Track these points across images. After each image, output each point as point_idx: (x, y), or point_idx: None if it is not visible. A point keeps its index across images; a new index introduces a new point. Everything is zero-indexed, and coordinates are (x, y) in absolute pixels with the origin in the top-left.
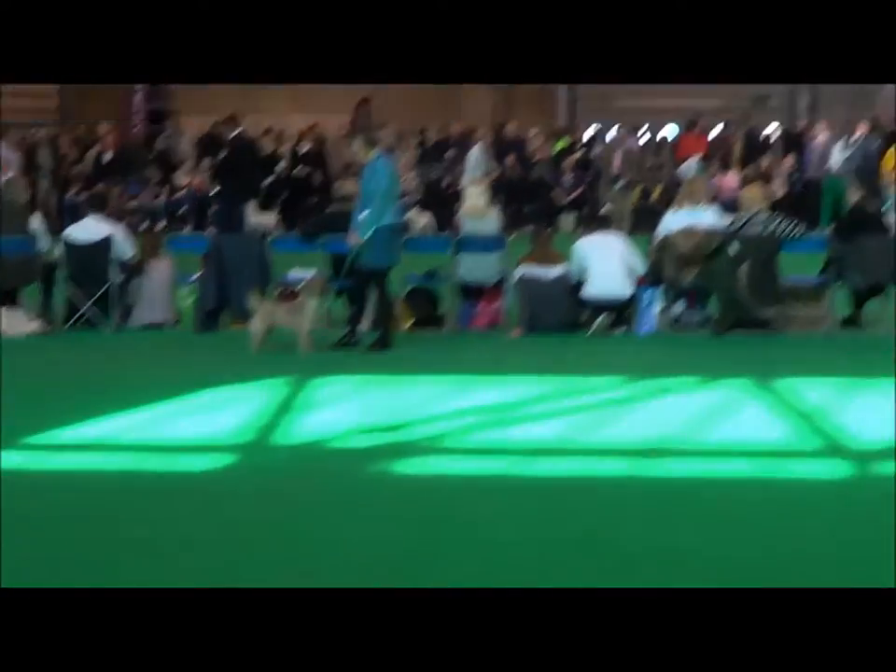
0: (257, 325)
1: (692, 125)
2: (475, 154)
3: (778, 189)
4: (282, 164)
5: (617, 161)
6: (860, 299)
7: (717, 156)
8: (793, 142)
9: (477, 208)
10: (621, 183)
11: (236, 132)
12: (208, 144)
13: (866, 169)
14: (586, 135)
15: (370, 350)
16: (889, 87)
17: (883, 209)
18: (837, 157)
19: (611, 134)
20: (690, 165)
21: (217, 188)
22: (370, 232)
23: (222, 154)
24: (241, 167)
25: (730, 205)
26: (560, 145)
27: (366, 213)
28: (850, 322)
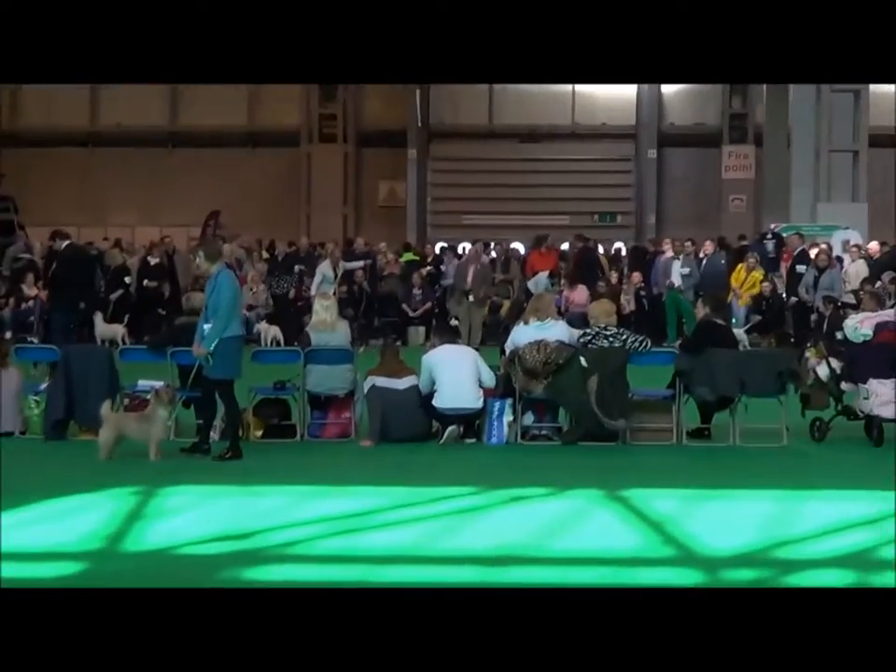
0: (105, 434)
1: (540, 241)
2: (323, 268)
3: (627, 303)
4: (131, 276)
5: (467, 276)
6: (707, 411)
7: (565, 271)
8: (640, 258)
9: (326, 321)
10: (471, 297)
11: (65, 244)
12: (49, 256)
13: (713, 284)
14: (437, 249)
15: (219, 459)
16: (734, 208)
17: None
18: (679, 272)
19: (461, 249)
20: (539, 280)
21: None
22: (214, 344)
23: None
24: (71, 278)
25: (579, 319)
26: (408, 257)
27: (210, 325)
28: (698, 434)
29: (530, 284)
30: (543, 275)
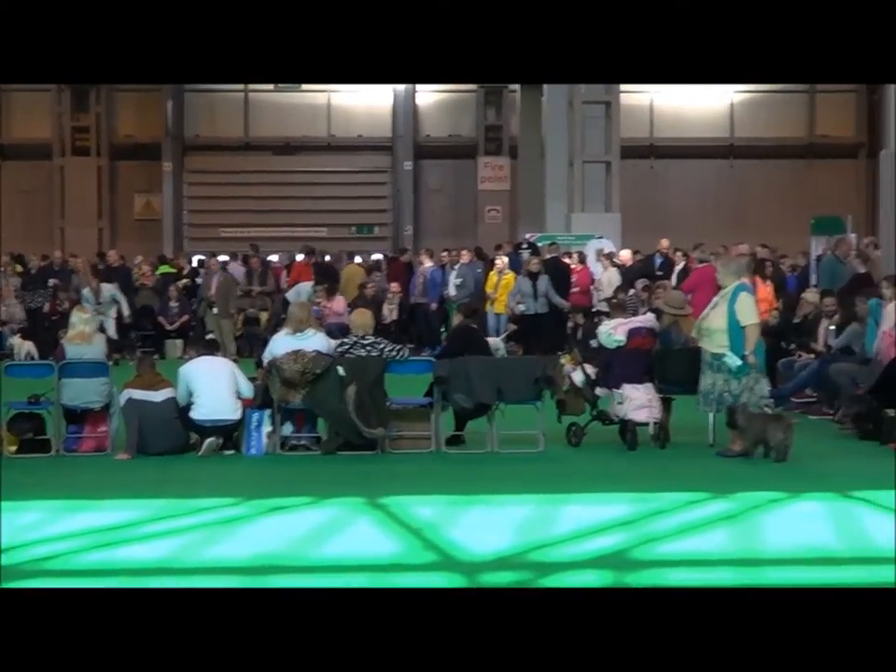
0: None
1: (310, 252)
2: (76, 280)
3: (389, 313)
4: None
5: (210, 287)
6: (463, 418)
7: (324, 282)
8: (400, 268)
9: (84, 334)
10: (215, 309)
11: None
12: None
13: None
14: (194, 262)
15: None
16: (490, 219)
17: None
18: (453, 283)
19: (217, 261)
20: (298, 291)
21: None
22: None
23: None
24: None
25: (338, 329)
26: (163, 270)
27: None
28: (454, 441)
29: (290, 294)
30: (305, 285)
